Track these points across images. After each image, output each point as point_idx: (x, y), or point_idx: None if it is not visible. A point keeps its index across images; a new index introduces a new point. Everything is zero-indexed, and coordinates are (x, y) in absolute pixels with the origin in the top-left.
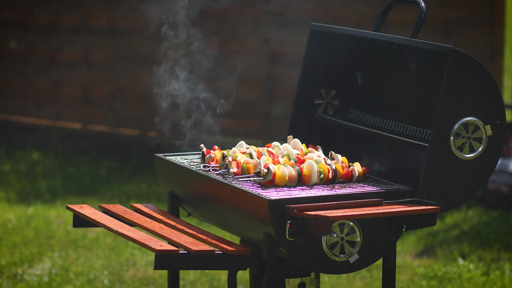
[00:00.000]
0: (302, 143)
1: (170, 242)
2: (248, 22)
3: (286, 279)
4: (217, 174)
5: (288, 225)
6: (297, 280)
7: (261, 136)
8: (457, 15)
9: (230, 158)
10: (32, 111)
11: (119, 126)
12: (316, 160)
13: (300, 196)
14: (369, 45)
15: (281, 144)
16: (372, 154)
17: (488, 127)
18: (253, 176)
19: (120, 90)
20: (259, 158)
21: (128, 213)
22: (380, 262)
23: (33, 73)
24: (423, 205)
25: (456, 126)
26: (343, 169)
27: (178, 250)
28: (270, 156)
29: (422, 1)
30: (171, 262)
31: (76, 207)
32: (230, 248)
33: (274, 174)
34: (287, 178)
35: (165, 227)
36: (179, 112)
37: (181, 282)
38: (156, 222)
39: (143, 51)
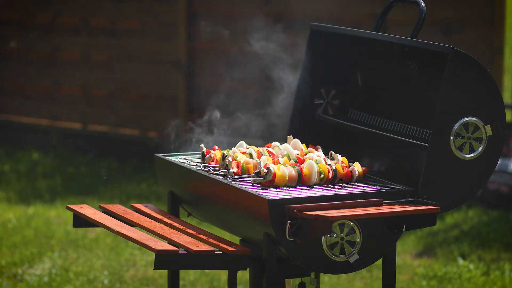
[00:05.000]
0: (302, 143)
1: (170, 242)
2: (248, 22)
3: (286, 279)
4: (217, 174)
5: (288, 225)
6: (297, 280)
7: (261, 136)
8: (457, 15)
9: (230, 158)
10: (32, 111)
11: (119, 126)
12: (316, 160)
13: (300, 196)
14: (369, 45)
15: (281, 144)
16: (372, 154)
17: (488, 127)
18: (253, 176)
19: (120, 90)
20: (259, 158)
21: (128, 213)
22: (380, 262)
23: (33, 73)
24: (423, 205)
25: (456, 126)
26: (343, 169)
27: (178, 250)
28: (270, 156)
29: (422, 1)
30: (171, 262)
31: (76, 207)
32: (230, 248)
33: (274, 174)
34: (287, 178)
35: (165, 227)
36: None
37: (181, 282)
38: (156, 222)
39: (143, 51)
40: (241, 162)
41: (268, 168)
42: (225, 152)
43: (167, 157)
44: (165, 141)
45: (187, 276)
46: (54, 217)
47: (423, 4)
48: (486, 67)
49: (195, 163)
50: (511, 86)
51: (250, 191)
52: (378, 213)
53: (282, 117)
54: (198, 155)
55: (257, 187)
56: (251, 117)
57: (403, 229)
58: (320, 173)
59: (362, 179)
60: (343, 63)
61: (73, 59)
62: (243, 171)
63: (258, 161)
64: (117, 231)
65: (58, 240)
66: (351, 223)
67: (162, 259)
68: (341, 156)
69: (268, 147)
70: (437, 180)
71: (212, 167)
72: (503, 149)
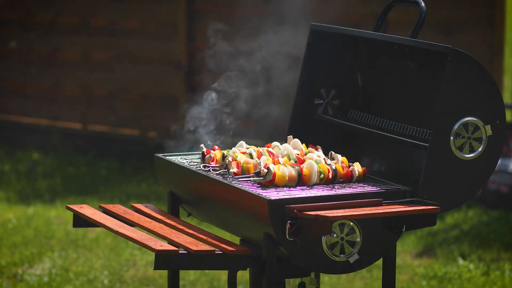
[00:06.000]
0: (302, 143)
1: (170, 242)
2: (248, 22)
3: (286, 279)
4: (217, 174)
5: (288, 225)
6: (297, 280)
7: (261, 136)
8: (457, 15)
9: (230, 158)
10: (32, 111)
11: (119, 126)
12: (316, 160)
13: (300, 196)
14: (369, 45)
15: (281, 144)
16: (372, 154)
17: (488, 127)
18: (253, 176)
19: (120, 90)
20: (259, 158)
21: (128, 213)
22: (380, 262)
23: (33, 73)
24: (423, 205)
25: (456, 126)
26: (343, 169)
27: (178, 250)
28: (270, 156)
29: (422, 1)
30: (171, 262)
31: (76, 207)
32: (230, 248)
33: (274, 174)
34: (287, 178)
35: (165, 227)
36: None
37: (181, 282)
38: (156, 222)
39: (143, 51)
40: (241, 162)
41: (268, 168)
42: (225, 152)
43: (167, 157)
44: (165, 139)
45: (187, 276)
46: (54, 217)
47: (423, 4)
48: (486, 67)
49: (195, 163)
50: (511, 86)
51: (250, 191)
52: (378, 213)
53: (282, 117)
54: (198, 155)
55: (257, 187)
56: (251, 117)
57: (403, 229)
58: (320, 173)
59: (362, 179)
60: (343, 63)
61: (73, 59)
62: (243, 171)
63: (258, 161)
64: (117, 231)
65: (58, 240)
66: (351, 223)
67: (162, 259)
68: (341, 156)
69: (268, 147)
70: (437, 180)
71: (212, 167)
72: (503, 149)
